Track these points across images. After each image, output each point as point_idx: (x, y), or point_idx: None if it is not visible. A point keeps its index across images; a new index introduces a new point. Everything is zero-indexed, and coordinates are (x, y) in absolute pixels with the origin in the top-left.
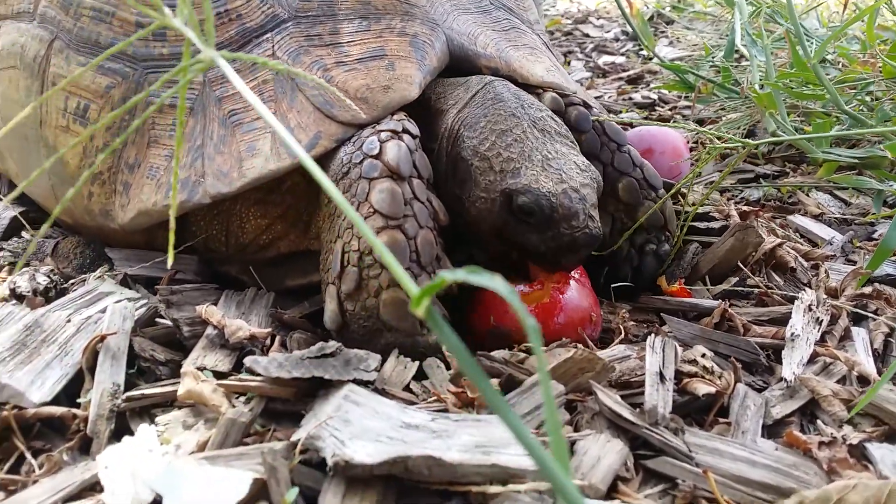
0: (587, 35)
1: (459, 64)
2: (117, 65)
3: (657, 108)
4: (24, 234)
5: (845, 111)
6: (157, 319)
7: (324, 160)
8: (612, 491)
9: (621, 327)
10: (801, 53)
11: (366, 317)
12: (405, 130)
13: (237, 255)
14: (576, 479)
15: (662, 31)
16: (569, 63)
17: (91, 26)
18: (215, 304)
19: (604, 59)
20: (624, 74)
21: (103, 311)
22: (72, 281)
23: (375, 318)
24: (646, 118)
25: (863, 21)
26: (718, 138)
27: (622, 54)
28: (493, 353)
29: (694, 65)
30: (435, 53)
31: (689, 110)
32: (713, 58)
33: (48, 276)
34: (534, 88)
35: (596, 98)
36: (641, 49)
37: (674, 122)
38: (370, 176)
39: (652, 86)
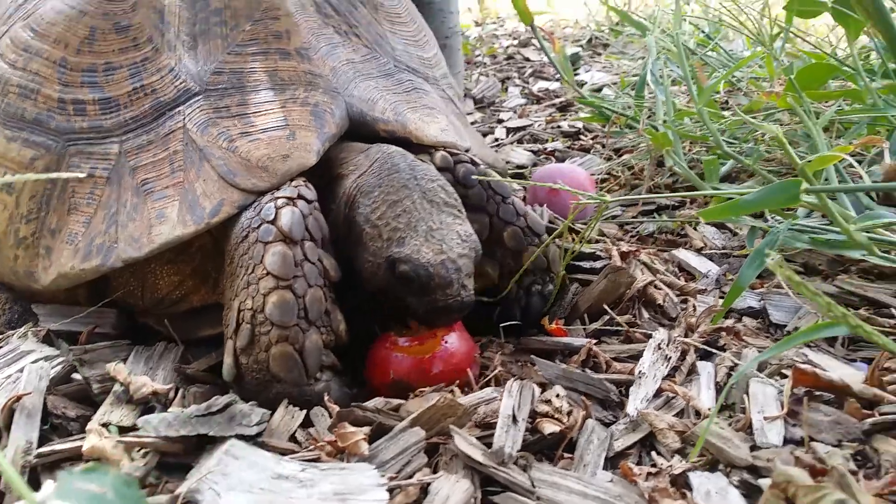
0: (527, 59)
1: (359, 128)
2: (41, 138)
3: (581, 137)
4: None
5: (726, 152)
6: (73, 376)
7: (229, 224)
8: None
9: (494, 371)
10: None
11: (258, 369)
12: (300, 196)
13: (153, 308)
14: None
15: (599, 54)
16: (506, 89)
17: (17, 102)
18: (126, 360)
19: (539, 86)
20: (556, 101)
21: (22, 370)
22: None
23: (266, 370)
24: (569, 147)
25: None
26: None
27: (557, 79)
28: (366, 403)
29: (617, 93)
30: (334, 121)
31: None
32: (631, 89)
33: None
34: (428, 147)
35: (526, 126)
36: (576, 74)
37: (594, 151)
38: (265, 240)
39: (573, 116)
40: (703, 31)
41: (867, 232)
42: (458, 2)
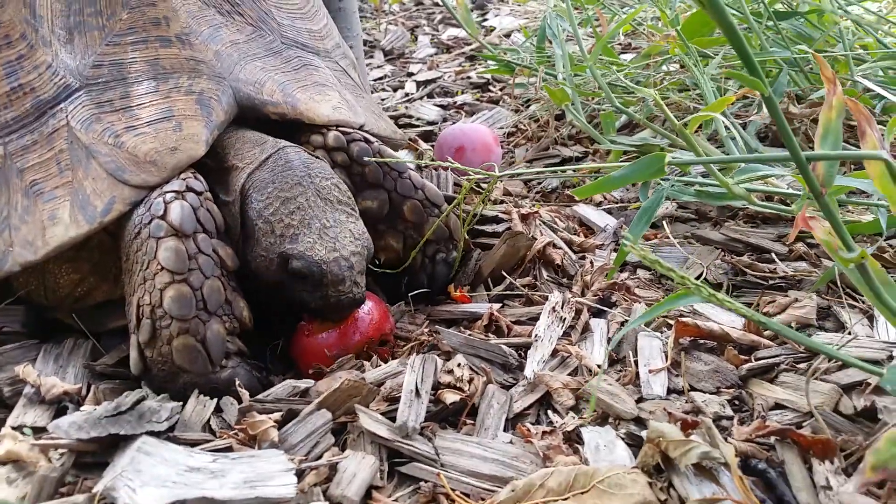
0: (436, 4)
1: (248, 112)
2: None
3: (490, 88)
4: None
5: (617, 107)
6: None
7: (124, 220)
8: (367, 499)
9: (400, 345)
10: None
11: (162, 362)
12: (189, 189)
13: (58, 305)
14: (335, 492)
15: None
16: (416, 39)
17: None
18: (35, 360)
19: (449, 33)
20: (466, 49)
21: None
22: None
23: (171, 362)
24: (478, 99)
25: None
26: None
27: None
28: (272, 391)
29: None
30: (222, 108)
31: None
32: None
33: None
34: (320, 127)
35: (436, 79)
36: (485, 20)
37: (502, 103)
38: (157, 235)
39: (481, 68)
40: None
41: (748, 182)
42: None
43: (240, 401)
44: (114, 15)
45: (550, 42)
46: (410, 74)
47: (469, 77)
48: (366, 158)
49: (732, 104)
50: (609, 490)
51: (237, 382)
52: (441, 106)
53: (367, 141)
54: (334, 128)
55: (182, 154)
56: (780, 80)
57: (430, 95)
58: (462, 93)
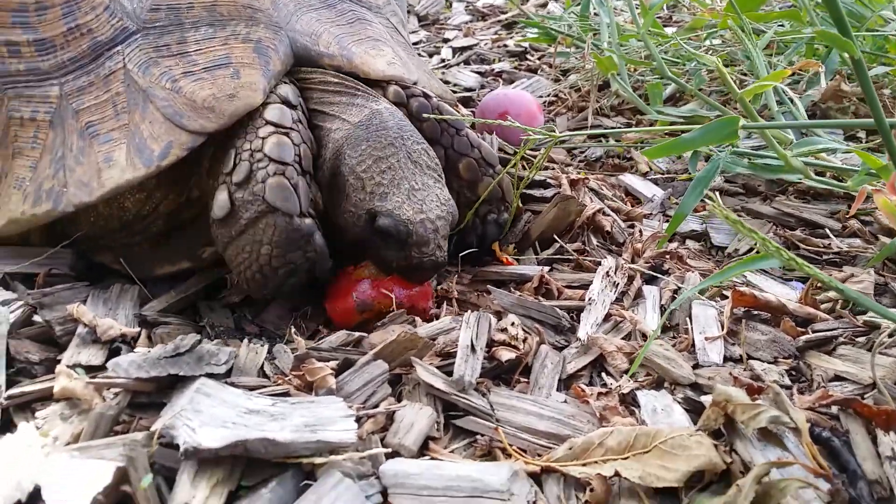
0: None
1: (304, 63)
2: None
3: (528, 56)
4: None
5: (670, 78)
6: (35, 318)
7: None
8: (424, 449)
9: (453, 302)
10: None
11: (252, 201)
12: (286, 101)
13: (119, 235)
14: (392, 441)
15: None
16: (450, 5)
17: None
18: (85, 302)
19: (484, 1)
20: (502, 17)
21: None
22: None
23: (261, 201)
24: (516, 67)
25: None
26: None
27: None
28: (328, 338)
29: (563, 9)
30: (279, 58)
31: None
32: (576, 5)
33: None
34: (377, 81)
35: (472, 46)
36: None
37: (541, 72)
38: (267, 101)
39: (519, 36)
40: None
41: (804, 156)
42: None
43: (294, 350)
44: None
45: (595, 12)
46: (446, 41)
47: (506, 45)
48: (424, 115)
49: (780, 80)
50: (672, 451)
51: (315, 237)
52: (478, 73)
53: (426, 97)
54: (393, 83)
55: (240, 102)
56: (831, 57)
57: (466, 62)
58: (499, 60)
